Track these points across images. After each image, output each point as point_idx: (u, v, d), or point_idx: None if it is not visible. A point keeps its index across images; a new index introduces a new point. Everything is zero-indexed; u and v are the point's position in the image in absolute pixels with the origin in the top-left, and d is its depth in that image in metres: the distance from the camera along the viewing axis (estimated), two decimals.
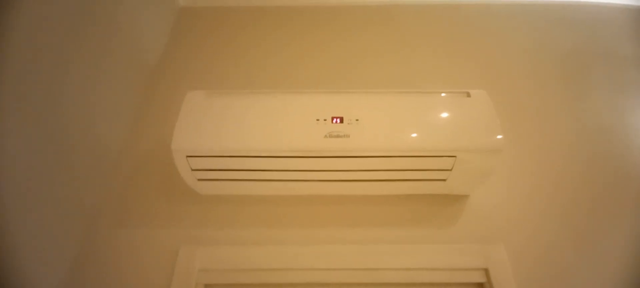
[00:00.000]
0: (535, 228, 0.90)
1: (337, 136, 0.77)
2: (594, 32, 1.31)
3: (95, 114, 0.95)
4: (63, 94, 0.84)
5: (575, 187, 0.96)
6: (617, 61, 1.23)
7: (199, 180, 0.85)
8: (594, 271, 0.84)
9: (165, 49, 1.28)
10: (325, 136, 0.77)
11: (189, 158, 0.80)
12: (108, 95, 1.00)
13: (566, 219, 0.91)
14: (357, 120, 0.79)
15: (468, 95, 0.83)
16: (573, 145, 1.03)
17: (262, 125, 0.79)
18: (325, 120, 0.79)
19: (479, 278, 0.84)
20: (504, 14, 1.37)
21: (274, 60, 1.25)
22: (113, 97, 1.02)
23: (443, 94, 0.85)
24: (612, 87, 1.16)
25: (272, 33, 1.33)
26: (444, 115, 0.82)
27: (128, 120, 1.08)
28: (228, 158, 0.80)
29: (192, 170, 0.82)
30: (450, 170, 0.82)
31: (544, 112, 1.10)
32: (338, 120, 0.79)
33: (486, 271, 0.84)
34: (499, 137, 0.78)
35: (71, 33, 0.86)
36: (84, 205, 0.91)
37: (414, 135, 0.79)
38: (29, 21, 0.74)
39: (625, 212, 0.92)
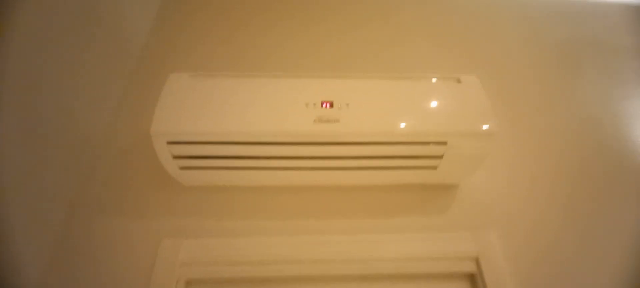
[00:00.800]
0: (528, 217, 0.90)
1: (327, 121, 0.75)
2: (589, 23, 1.34)
3: (76, 101, 0.90)
4: (42, 80, 0.79)
5: (571, 176, 0.96)
6: (612, 52, 1.25)
7: (181, 168, 0.81)
8: (591, 256, 0.84)
9: (150, 32, 1.23)
10: (315, 121, 0.75)
11: (170, 144, 0.75)
12: (90, 82, 0.94)
13: (562, 207, 0.91)
14: (347, 105, 0.77)
15: (459, 80, 0.83)
16: (567, 134, 1.04)
17: (248, 109, 0.76)
18: (314, 104, 0.76)
19: (469, 267, 0.83)
20: (499, 4, 1.38)
21: (262, 42, 1.22)
22: (95, 83, 0.97)
23: (434, 80, 0.84)
24: (606, 76, 1.18)
25: (259, 14, 1.30)
26: (435, 100, 0.80)
27: (111, 107, 1.03)
28: (212, 144, 0.76)
29: (174, 157, 0.78)
30: (441, 157, 0.80)
31: (538, 101, 1.11)
32: (328, 105, 0.76)
33: (476, 260, 0.83)
34: (488, 124, 0.77)
35: (51, 17, 0.81)
36: (63, 195, 0.86)
37: (405, 120, 0.77)
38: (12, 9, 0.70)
39: (623, 202, 0.92)
